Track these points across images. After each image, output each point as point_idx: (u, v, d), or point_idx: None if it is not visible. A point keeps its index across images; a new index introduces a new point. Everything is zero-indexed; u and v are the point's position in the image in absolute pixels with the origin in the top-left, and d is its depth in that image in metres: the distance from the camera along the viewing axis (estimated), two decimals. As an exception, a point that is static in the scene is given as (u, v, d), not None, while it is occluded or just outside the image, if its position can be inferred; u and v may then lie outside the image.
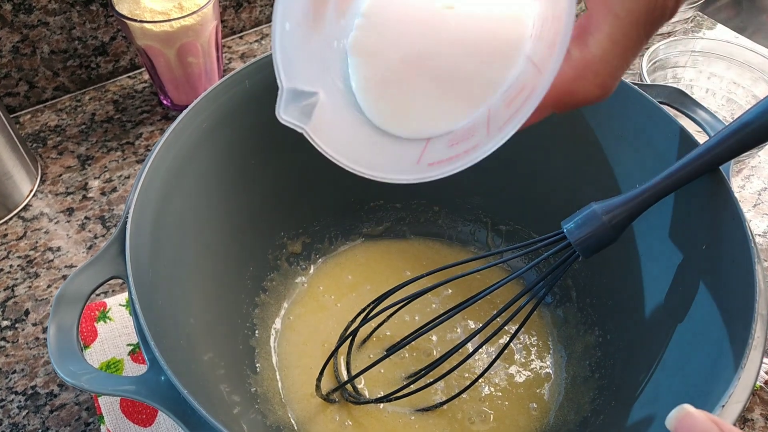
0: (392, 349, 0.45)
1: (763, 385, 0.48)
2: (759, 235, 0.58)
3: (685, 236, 0.40)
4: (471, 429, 0.45)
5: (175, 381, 0.30)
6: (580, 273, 0.51)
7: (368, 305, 0.45)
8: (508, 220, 0.54)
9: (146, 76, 0.71)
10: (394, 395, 0.44)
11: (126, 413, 0.47)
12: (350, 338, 0.46)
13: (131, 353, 0.50)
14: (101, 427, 0.46)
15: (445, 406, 0.46)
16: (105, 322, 0.51)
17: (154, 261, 0.37)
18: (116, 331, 0.51)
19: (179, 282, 0.39)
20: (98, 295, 0.54)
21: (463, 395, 0.46)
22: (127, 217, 0.36)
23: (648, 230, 0.43)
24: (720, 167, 0.37)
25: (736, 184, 0.62)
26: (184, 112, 0.41)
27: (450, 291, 0.52)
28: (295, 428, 0.45)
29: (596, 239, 0.37)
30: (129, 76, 0.71)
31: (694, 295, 0.38)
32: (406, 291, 0.44)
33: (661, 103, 0.42)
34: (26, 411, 0.48)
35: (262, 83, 0.44)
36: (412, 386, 0.44)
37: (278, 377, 0.48)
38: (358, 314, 0.46)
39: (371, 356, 0.49)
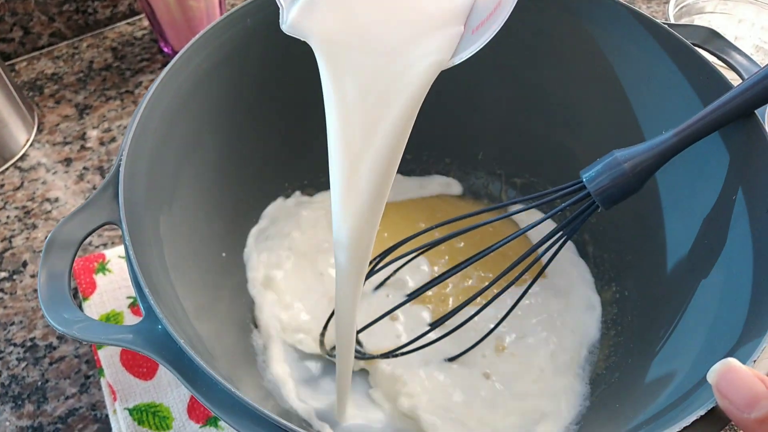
0: (399, 304, 0.43)
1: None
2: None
3: (714, 186, 0.37)
4: (484, 384, 0.44)
5: (170, 330, 0.28)
6: (598, 227, 0.49)
7: (375, 258, 0.43)
8: (523, 172, 0.52)
9: (146, 23, 0.68)
10: (401, 351, 0.43)
11: (126, 366, 0.46)
12: None
13: (131, 306, 0.49)
14: (101, 380, 0.45)
15: (455, 363, 0.45)
16: (104, 274, 0.50)
17: (151, 207, 0.35)
18: (116, 284, 0.49)
19: (177, 230, 0.38)
20: (97, 247, 0.53)
21: (477, 351, 0.44)
22: (120, 161, 0.34)
23: (673, 180, 0.41)
24: (756, 111, 0.35)
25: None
26: (181, 51, 0.38)
27: (462, 244, 0.50)
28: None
29: (617, 189, 0.35)
30: (128, 23, 0.68)
31: (721, 249, 0.36)
32: (416, 243, 0.42)
33: (692, 44, 0.39)
34: (25, 363, 0.47)
35: (265, 22, 0.42)
36: (419, 341, 0.42)
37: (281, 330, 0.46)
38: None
39: (377, 311, 0.47)
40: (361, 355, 0.45)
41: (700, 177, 0.38)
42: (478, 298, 0.41)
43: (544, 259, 0.40)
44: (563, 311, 0.47)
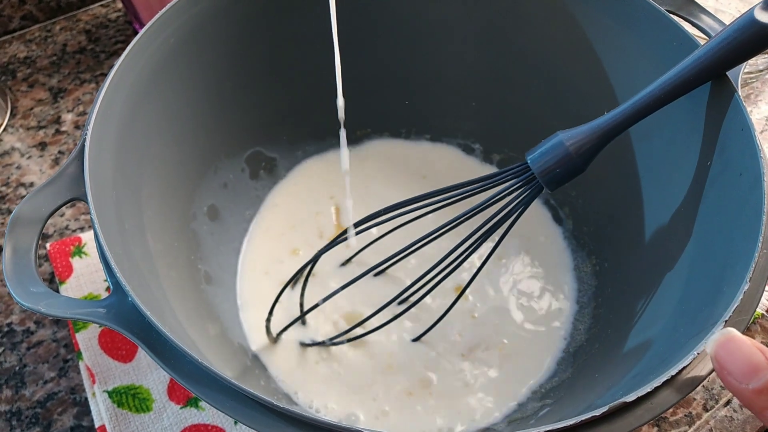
0: (356, 277, 0.41)
1: (764, 312, 0.47)
2: (765, 162, 0.56)
3: (689, 154, 0.37)
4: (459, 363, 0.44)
5: (138, 303, 0.28)
6: (577, 200, 0.49)
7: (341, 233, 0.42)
8: (502, 147, 0.52)
9: (120, 4, 0.67)
10: (341, 338, 0.42)
11: (105, 349, 0.45)
12: (302, 273, 0.43)
13: (109, 289, 0.48)
14: (79, 363, 0.45)
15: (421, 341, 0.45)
16: (80, 257, 0.49)
17: (118, 183, 0.35)
18: (93, 267, 0.49)
19: (145, 206, 0.37)
20: (74, 231, 0.52)
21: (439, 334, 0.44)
22: (86, 135, 0.33)
23: (649, 149, 0.40)
24: (728, 74, 0.34)
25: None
26: (147, 25, 0.38)
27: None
28: (256, 357, 0.44)
29: (562, 170, 0.34)
30: (102, 5, 0.67)
31: (695, 215, 0.36)
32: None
33: (666, 11, 0.39)
34: (2, 348, 0.46)
35: (236, -4, 0.41)
36: (371, 322, 0.41)
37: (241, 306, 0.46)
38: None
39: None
40: (310, 342, 0.44)
41: (675, 144, 0.38)
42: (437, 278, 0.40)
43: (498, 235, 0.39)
44: (543, 290, 0.47)
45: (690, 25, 0.40)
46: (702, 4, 0.62)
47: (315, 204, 0.51)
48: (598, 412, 0.25)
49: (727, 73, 0.34)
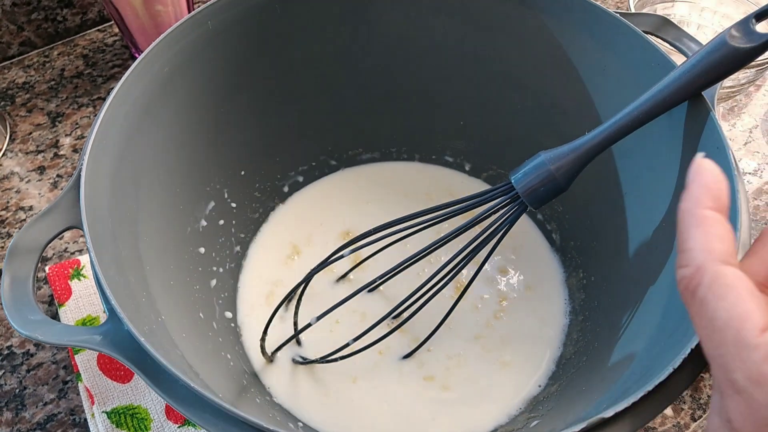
0: (340, 303, 0.40)
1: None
2: (750, 173, 0.57)
3: (668, 170, 0.38)
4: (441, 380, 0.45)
5: (132, 330, 0.29)
6: (564, 216, 0.50)
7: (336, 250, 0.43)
8: (490, 165, 0.53)
9: (116, 29, 0.69)
10: (334, 356, 0.42)
11: (104, 370, 0.46)
12: (295, 292, 0.44)
13: (107, 310, 0.49)
14: (79, 384, 0.46)
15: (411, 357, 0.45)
16: (79, 279, 0.50)
17: (114, 211, 0.35)
18: (91, 289, 0.50)
19: (141, 231, 0.38)
20: (72, 253, 0.53)
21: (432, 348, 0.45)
22: (81, 165, 0.34)
23: (631, 168, 0.41)
24: (703, 93, 0.35)
25: (726, 122, 0.60)
26: (141, 56, 0.39)
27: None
28: (254, 375, 0.45)
29: (545, 189, 0.35)
30: (98, 30, 0.69)
31: (676, 230, 0.37)
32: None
33: (645, 32, 0.40)
34: (2, 371, 0.47)
35: (227, 24, 0.42)
36: (356, 344, 0.41)
37: (240, 326, 0.47)
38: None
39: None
40: (302, 359, 0.45)
41: (655, 161, 0.39)
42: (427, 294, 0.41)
43: (484, 254, 0.40)
44: (533, 303, 0.48)
45: (668, 45, 0.42)
46: (686, 21, 0.63)
47: (314, 227, 0.52)
48: (577, 428, 0.26)
49: (702, 92, 0.35)
